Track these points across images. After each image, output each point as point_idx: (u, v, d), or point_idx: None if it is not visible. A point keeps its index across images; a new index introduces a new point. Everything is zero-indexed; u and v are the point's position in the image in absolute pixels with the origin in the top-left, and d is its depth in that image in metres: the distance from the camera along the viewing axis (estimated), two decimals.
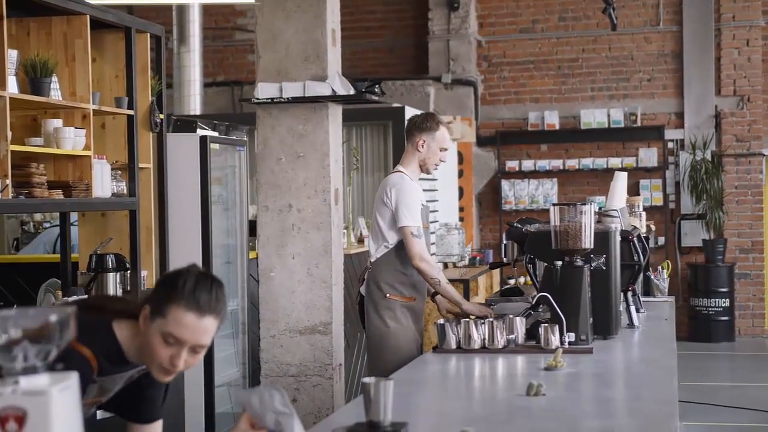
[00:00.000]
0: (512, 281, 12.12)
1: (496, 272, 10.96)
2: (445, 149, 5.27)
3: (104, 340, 2.56)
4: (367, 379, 2.66)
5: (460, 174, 12.28)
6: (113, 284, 5.51)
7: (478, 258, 10.97)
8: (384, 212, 5.14)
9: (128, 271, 5.63)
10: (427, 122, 5.25)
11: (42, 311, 1.83)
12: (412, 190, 5.13)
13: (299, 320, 5.60)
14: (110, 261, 5.50)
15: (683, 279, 12.44)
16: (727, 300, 12.01)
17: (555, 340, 4.12)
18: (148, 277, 5.92)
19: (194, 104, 10.44)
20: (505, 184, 12.69)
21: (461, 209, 12.29)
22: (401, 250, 5.11)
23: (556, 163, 12.59)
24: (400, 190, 5.09)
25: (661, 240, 12.35)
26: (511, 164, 12.71)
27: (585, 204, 4.42)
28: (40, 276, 5.94)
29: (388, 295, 5.13)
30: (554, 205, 4.43)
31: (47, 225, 8.76)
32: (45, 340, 1.81)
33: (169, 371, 2.51)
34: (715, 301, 11.98)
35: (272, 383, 2.55)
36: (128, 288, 5.67)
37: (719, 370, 10.77)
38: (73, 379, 1.83)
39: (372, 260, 5.23)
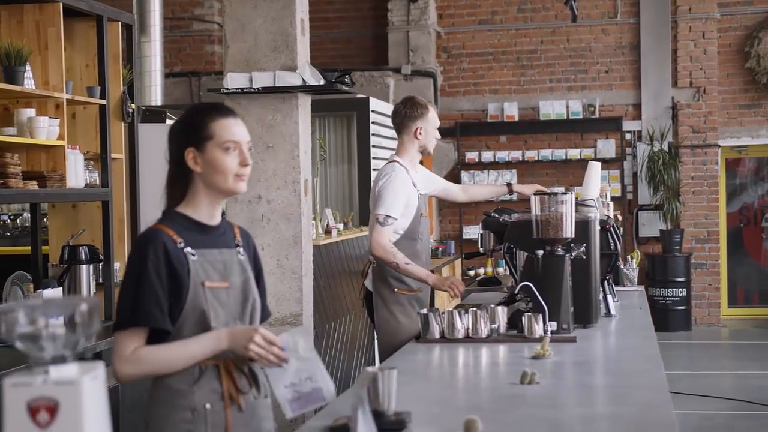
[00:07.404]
0: (472, 272, 12.20)
1: (458, 263, 11.01)
2: (438, 126, 5.39)
3: (172, 218, 2.84)
4: (371, 369, 2.67)
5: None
6: (86, 276, 5.43)
7: (440, 249, 11.01)
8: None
9: (101, 263, 5.56)
10: (417, 109, 5.26)
11: (71, 300, 1.82)
12: (403, 182, 5.08)
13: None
14: (83, 253, 5.41)
15: (641, 269, 12.55)
16: (684, 290, 12.16)
17: (539, 329, 4.15)
18: (122, 269, 5.86)
19: (155, 95, 10.31)
20: (465, 176, 12.72)
21: None
22: (404, 241, 5.05)
23: (516, 155, 12.65)
24: (389, 179, 5.06)
25: (620, 230, 12.45)
26: (471, 155, 12.75)
27: (566, 193, 4.43)
28: (10, 269, 5.83)
29: (396, 289, 5.08)
30: (535, 194, 4.45)
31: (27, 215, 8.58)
32: (74, 330, 1.79)
33: (242, 175, 2.82)
34: (672, 291, 12.13)
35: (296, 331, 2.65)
36: (101, 280, 5.60)
37: (677, 358, 10.89)
38: (100, 368, 1.81)
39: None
